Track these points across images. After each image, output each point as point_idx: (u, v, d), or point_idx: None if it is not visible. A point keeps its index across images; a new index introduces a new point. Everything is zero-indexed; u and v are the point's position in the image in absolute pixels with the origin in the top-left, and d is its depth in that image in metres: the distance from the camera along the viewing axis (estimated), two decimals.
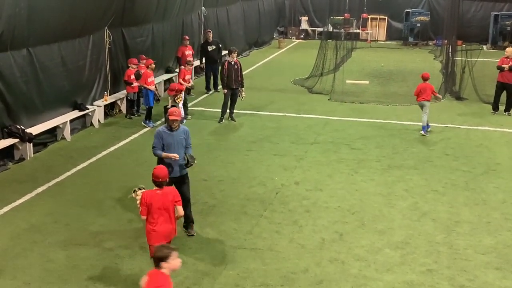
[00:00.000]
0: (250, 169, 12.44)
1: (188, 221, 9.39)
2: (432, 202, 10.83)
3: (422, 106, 15.17)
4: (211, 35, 20.14)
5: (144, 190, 7.95)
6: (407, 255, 8.79)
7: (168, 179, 7.87)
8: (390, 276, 8.20)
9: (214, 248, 8.93)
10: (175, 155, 8.93)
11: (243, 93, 16.25)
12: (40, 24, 13.00)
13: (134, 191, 8.06)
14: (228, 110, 16.24)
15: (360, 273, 8.25)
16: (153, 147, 9.07)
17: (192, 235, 9.32)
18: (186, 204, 9.21)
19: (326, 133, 15.17)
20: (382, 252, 8.88)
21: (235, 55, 16.16)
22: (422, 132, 15.05)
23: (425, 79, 15.16)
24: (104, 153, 13.42)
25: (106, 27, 16.20)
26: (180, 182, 9.12)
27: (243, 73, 16.56)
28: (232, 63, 15.98)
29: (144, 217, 7.64)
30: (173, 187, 8.17)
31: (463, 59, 19.92)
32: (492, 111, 17.48)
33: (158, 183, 7.67)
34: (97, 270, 8.24)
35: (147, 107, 15.61)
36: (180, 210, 7.75)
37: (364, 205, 10.64)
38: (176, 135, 9.03)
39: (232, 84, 15.95)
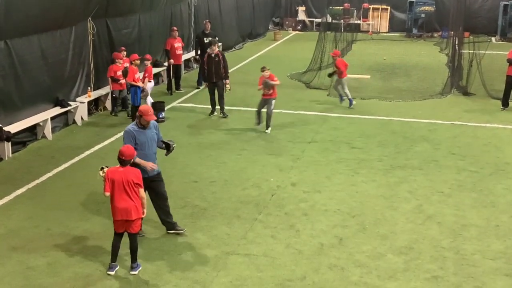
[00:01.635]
0: (243, 169, 12.45)
1: (171, 221, 9.51)
2: (438, 204, 10.86)
3: (346, 81, 17.34)
4: (209, 26, 20.12)
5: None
6: (411, 261, 8.82)
7: (132, 160, 8.29)
8: (393, 284, 8.22)
9: (205, 254, 8.93)
10: (151, 166, 9.02)
11: (227, 85, 16.34)
12: (19, 14, 12.95)
13: (102, 168, 8.35)
14: (218, 106, 16.30)
15: (361, 280, 8.27)
16: None
17: (183, 230, 9.48)
18: (165, 202, 9.44)
19: (325, 131, 15.20)
20: (385, 258, 8.90)
21: (215, 47, 16.28)
22: (351, 106, 17.32)
23: (340, 55, 17.94)
24: (87, 152, 13.40)
25: (90, 18, 16.17)
26: (157, 181, 9.24)
27: (238, 66, 16.58)
28: (213, 55, 16.14)
29: (108, 193, 8.22)
30: (137, 169, 8.34)
31: (470, 52, 19.99)
32: (501, 107, 17.56)
33: (121, 161, 8.22)
34: (80, 278, 8.22)
35: (135, 105, 15.48)
36: (142, 193, 8.24)
37: (365, 208, 10.67)
38: (149, 132, 9.06)
39: (212, 78, 16.14)
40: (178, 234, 9.46)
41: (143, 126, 8.98)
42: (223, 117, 16.27)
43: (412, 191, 11.42)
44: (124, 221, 8.23)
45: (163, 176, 11.32)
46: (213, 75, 16.10)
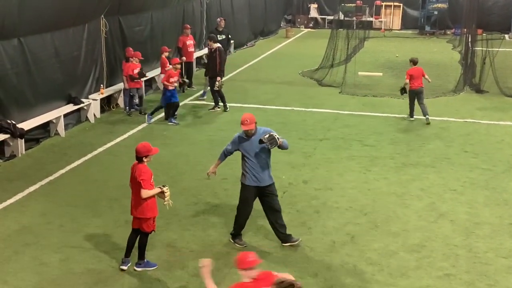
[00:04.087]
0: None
1: (285, 233, 9.11)
2: (450, 202, 10.81)
3: None
4: (223, 23, 20.25)
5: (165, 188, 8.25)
6: (423, 259, 8.78)
7: (144, 158, 8.11)
8: (404, 281, 8.19)
9: (217, 250, 8.94)
10: (211, 171, 9.27)
11: (216, 82, 16.40)
12: (32, 12, 13.01)
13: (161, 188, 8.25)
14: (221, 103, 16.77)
15: (372, 278, 8.25)
16: (224, 149, 9.09)
17: (297, 240, 9.08)
18: (276, 216, 9.05)
19: (337, 129, 15.16)
20: (397, 256, 8.87)
21: (211, 42, 16.73)
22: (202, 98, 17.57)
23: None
24: (100, 149, 13.45)
25: (102, 16, 16.21)
26: (269, 195, 8.95)
27: (250, 63, 16.66)
28: (212, 50, 16.55)
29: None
30: (145, 167, 8.11)
31: (483, 49, 19.87)
32: None
33: (136, 157, 8.16)
34: (92, 274, 8.26)
35: (172, 103, 15.32)
36: (143, 193, 8.00)
37: (377, 205, 10.63)
38: (255, 141, 8.73)
39: (208, 72, 16.74)
40: (292, 245, 9.09)
41: (246, 135, 8.77)
42: (212, 109, 16.62)
43: (425, 189, 11.37)
44: (134, 217, 8.25)
45: (175, 172, 11.35)
46: (209, 70, 16.65)
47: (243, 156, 8.89)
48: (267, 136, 8.61)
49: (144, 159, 8.13)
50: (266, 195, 8.96)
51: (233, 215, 10.03)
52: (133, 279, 8.13)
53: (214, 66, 16.43)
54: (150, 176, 8.13)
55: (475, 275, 8.35)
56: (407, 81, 15.78)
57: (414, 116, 15.81)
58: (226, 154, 9.14)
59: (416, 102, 15.67)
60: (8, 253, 8.78)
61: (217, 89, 16.37)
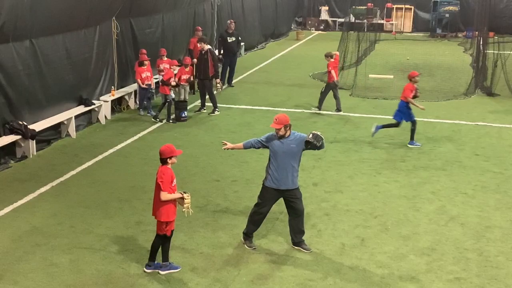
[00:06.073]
0: (265, 169, 12.39)
1: (298, 238, 9.07)
2: (461, 205, 10.76)
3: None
4: (233, 25, 20.26)
5: (185, 195, 8.14)
6: (434, 262, 8.74)
7: (167, 159, 8.02)
8: (415, 285, 8.16)
9: (227, 253, 8.94)
10: (228, 146, 9.26)
11: (217, 85, 16.62)
12: (44, 14, 13.08)
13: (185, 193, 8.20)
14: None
15: (382, 281, 8.22)
16: (256, 138, 9.00)
17: (309, 250, 8.99)
18: (297, 219, 8.98)
19: (347, 131, 15.13)
20: (407, 259, 8.83)
21: (201, 44, 16.60)
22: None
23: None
24: (110, 151, 13.49)
25: (114, 17, 16.29)
26: (290, 197, 8.85)
27: (261, 65, 16.66)
28: (203, 52, 16.39)
29: None
30: (166, 168, 8.04)
31: (495, 52, 19.79)
32: None
33: (159, 159, 8.08)
34: (103, 275, 8.27)
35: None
36: (164, 196, 7.95)
37: (388, 208, 10.60)
38: (286, 144, 8.63)
39: (199, 75, 16.48)
40: (301, 250, 9.03)
41: (277, 135, 8.66)
42: (212, 113, 16.47)
43: (435, 192, 11.32)
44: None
45: (185, 174, 11.35)
46: (201, 73, 16.41)
47: (269, 157, 8.86)
48: (310, 136, 8.62)
49: (168, 161, 8.04)
50: (288, 199, 8.90)
51: (243, 217, 10.06)
52: (143, 281, 8.14)
53: (205, 69, 16.28)
54: (171, 179, 8.04)
55: (485, 279, 8.30)
56: (333, 72, 16.46)
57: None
58: (253, 143, 9.04)
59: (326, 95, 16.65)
60: (18, 253, 8.82)
61: (198, 90, 16.60)
